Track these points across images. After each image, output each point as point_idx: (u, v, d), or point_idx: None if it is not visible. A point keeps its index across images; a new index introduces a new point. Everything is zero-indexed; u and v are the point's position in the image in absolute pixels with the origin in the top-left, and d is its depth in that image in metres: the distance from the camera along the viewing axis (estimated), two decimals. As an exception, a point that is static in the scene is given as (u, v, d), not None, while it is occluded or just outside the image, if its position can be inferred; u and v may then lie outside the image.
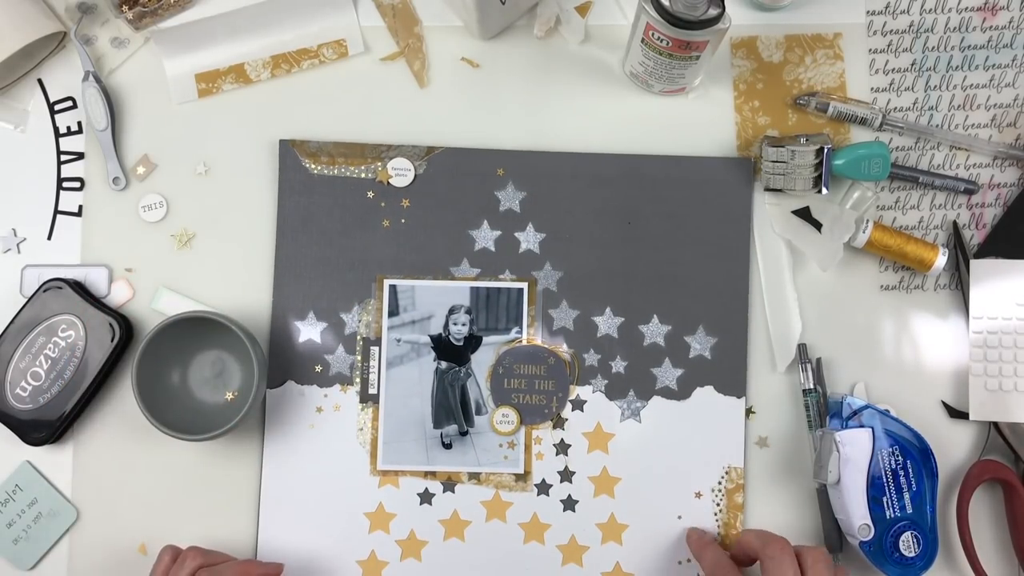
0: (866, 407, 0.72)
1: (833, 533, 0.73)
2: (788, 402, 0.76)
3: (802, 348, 0.75)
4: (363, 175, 0.76)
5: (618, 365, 0.75)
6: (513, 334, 0.76)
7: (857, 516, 0.70)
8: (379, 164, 0.76)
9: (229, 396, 0.74)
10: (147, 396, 0.69)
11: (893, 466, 0.70)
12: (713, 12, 0.66)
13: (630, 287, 0.76)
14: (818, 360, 0.75)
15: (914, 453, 0.71)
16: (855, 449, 0.70)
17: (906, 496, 0.70)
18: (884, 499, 0.70)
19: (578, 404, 0.75)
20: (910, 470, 0.71)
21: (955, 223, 0.76)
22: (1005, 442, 0.74)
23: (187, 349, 0.73)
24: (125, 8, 0.74)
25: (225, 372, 0.74)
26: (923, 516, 0.70)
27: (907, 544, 0.70)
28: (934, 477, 0.71)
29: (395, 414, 0.75)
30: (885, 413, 0.72)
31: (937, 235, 0.77)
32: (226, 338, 0.72)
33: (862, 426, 0.71)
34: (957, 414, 0.75)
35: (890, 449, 0.71)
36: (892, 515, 0.70)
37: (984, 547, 0.73)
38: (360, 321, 0.76)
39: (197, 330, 0.71)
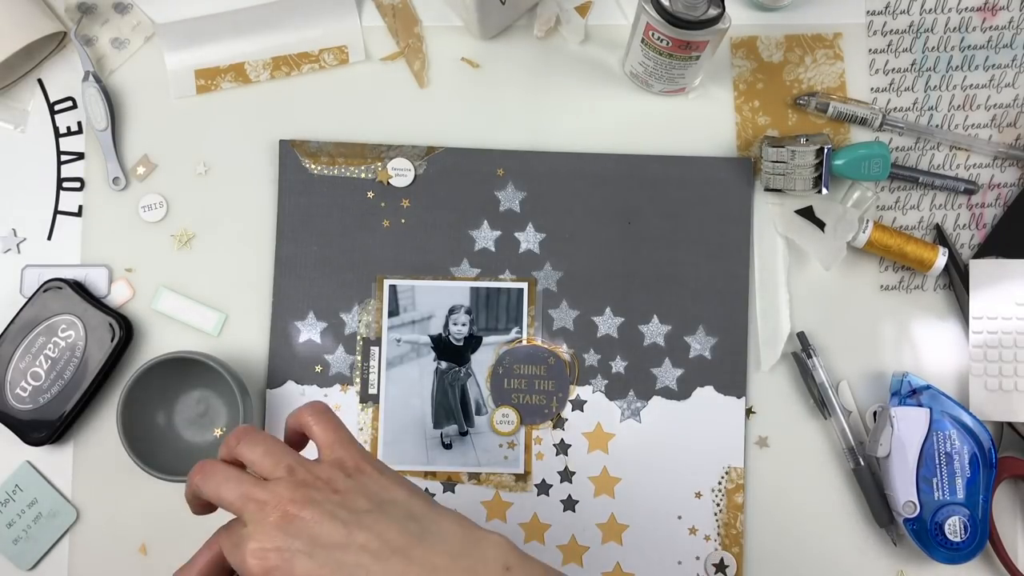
0: (927, 387, 0.72)
1: (880, 509, 0.73)
2: (788, 402, 0.76)
3: (802, 336, 0.75)
4: (363, 175, 0.77)
5: (618, 365, 0.75)
6: (513, 334, 0.76)
7: (903, 493, 0.70)
8: (379, 164, 0.76)
9: (217, 432, 0.74)
10: (132, 438, 0.70)
11: (948, 450, 0.71)
12: (713, 12, 0.66)
13: (630, 287, 0.76)
14: (806, 346, 0.75)
15: (973, 441, 0.71)
16: (909, 426, 0.71)
17: (959, 481, 0.71)
18: (934, 480, 0.71)
19: (578, 404, 0.75)
20: (966, 456, 0.71)
21: (938, 226, 0.76)
22: (1021, 438, 0.74)
23: (171, 389, 0.73)
24: None
25: (210, 411, 0.74)
26: (975, 504, 0.71)
27: (953, 528, 0.70)
28: (991, 468, 0.71)
29: (395, 414, 0.75)
30: (947, 396, 0.72)
31: (937, 235, 0.77)
32: (209, 376, 0.72)
33: (920, 405, 0.71)
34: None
35: (947, 433, 0.71)
36: (941, 497, 0.70)
37: (1008, 544, 0.73)
38: (360, 321, 0.76)
39: (180, 370, 0.72)
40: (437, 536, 0.50)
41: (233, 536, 0.50)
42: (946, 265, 0.74)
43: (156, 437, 0.72)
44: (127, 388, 0.69)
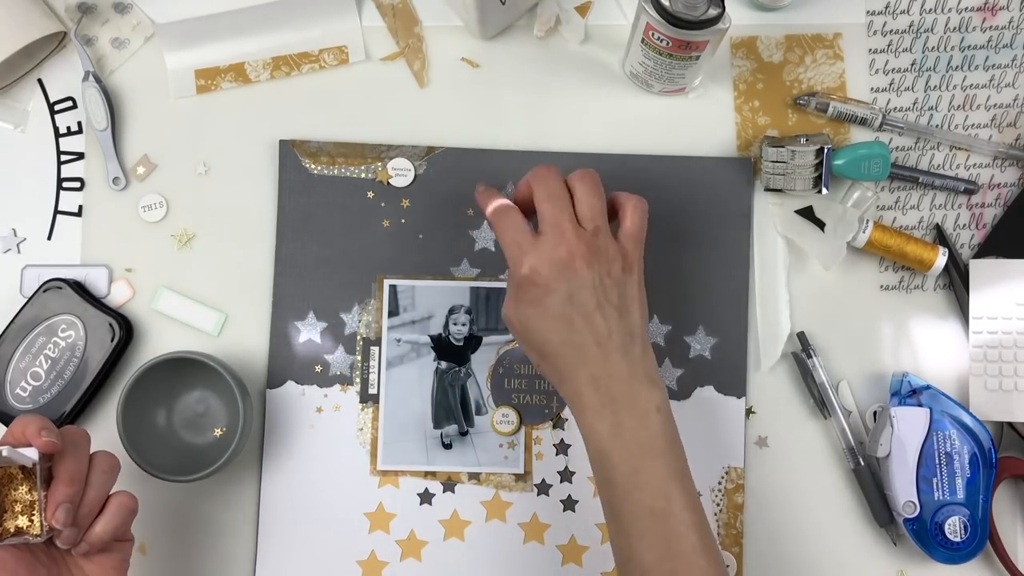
0: (927, 387, 0.72)
1: (880, 509, 0.73)
2: (788, 402, 0.76)
3: (802, 336, 0.75)
4: (363, 175, 0.77)
5: (618, 365, 0.75)
6: (513, 334, 0.76)
7: (903, 493, 0.71)
8: (379, 164, 0.76)
9: (217, 432, 0.74)
10: (133, 438, 0.69)
11: (948, 449, 0.71)
12: (713, 12, 0.66)
13: (630, 287, 0.76)
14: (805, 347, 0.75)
15: (973, 441, 0.71)
16: (909, 426, 0.71)
17: (959, 481, 0.71)
18: (934, 480, 0.71)
19: (578, 404, 0.75)
20: (966, 456, 0.71)
21: (938, 226, 0.76)
22: (1021, 437, 0.74)
23: (171, 389, 0.73)
24: None
25: (210, 411, 0.74)
26: (975, 504, 0.71)
27: (953, 528, 0.70)
28: (991, 468, 0.71)
29: (395, 414, 0.75)
30: (947, 396, 0.72)
31: (937, 235, 0.77)
32: (209, 376, 0.72)
33: (920, 405, 0.71)
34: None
35: (947, 433, 0.71)
36: (941, 497, 0.70)
37: (1008, 544, 0.73)
38: (360, 321, 0.76)
39: (180, 370, 0.71)
40: (636, 357, 0.62)
41: (525, 236, 0.62)
42: (946, 265, 0.74)
43: (156, 437, 0.72)
44: (127, 388, 0.69)
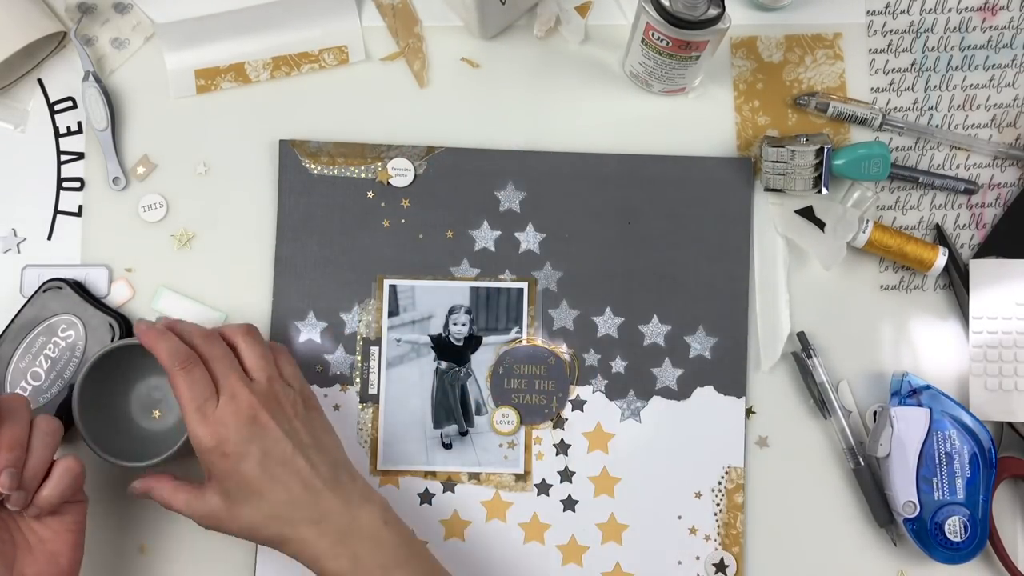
0: (927, 387, 0.72)
1: (880, 509, 0.73)
2: (788, 402, 0.76)
3: (802, 336, 0.75)
4: (363, 175, 0.77)
5: (618, 365, 0.75)
6: (513, 334, 0.76)
7: (903, 493, 0.70)
8: (379, 164, 0.77)
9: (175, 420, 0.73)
10: (92, 426, 0.68)
11: (948, 450, 0.71)
12: (713, 12, 0.66)
13: (630, 287, 0.76)
14: (805, 347, 0.75)
15: (973, 441, 0.71)
16: (909, 426, 0.71)
17: (959, 481, 0.71)
18: (934, 480, 0.71)
19: (578, 404, 0.75)
20: (966, 456, 0.71)
21: (938, 226, 0.76)
22: (1021, 437, 0.74)
23: (129, 377, 0.72)
24: None
25: (168, 397, 0.73)
26: (975, 504, 0.71)
27: (953, 528, 0.70)
28: (991, 468, 0.71)
29: (395, 414, 0.75)
30: (947, 396, 0.72)
31: (937, 235, 0.77)
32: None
33: (920, 405, 0.71)
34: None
35: (947, 433, 0.71)
36: (941, 497, 0.70)
37: (1008, 544, 0.73)
38: (360, 321, 0.76)
39: (135, 357, 0.70)
40: (345, 483, 0.64)
41: (203, 408, 0.62)
42: (946, 265, 0.74)
43: (117, 423, 0.71)
44: (81, 379, 0.68)
